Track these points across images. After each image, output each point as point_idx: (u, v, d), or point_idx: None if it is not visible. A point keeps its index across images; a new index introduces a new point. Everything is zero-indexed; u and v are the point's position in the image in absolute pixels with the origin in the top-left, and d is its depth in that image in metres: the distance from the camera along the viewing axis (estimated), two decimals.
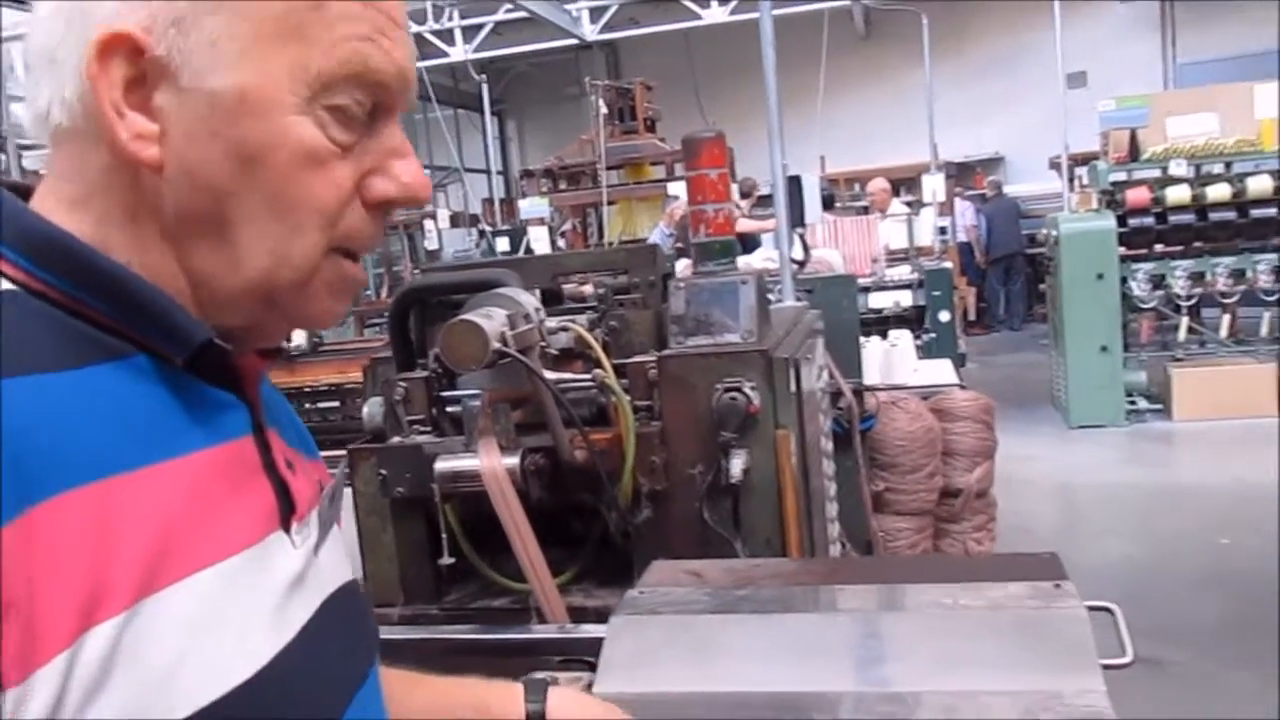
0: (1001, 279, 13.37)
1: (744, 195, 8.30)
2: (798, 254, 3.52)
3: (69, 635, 0.55)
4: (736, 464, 1.79)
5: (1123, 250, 7.37)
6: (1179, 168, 7.33)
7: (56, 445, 0.58)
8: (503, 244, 9.13)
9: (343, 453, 1.96)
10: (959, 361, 6.97)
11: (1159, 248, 7.49)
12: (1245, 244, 7.35)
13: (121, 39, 0.64)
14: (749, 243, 6.93)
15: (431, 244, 10.26)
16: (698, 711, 1.30)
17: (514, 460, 1.76)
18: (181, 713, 0.59)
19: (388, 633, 1.11)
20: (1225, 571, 4.57)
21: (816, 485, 2.12)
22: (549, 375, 1.82)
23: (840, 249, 7.02)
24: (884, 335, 5.27)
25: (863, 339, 4.47)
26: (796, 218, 3.45)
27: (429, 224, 10.39)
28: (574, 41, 13.10)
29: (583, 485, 1.89)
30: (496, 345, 1.69)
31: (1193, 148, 7.37)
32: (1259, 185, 7.20)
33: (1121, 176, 7.55)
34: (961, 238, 12.55)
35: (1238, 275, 7.27)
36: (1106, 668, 1.29)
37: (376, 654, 0.85)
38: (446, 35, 12.57)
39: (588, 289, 2.17)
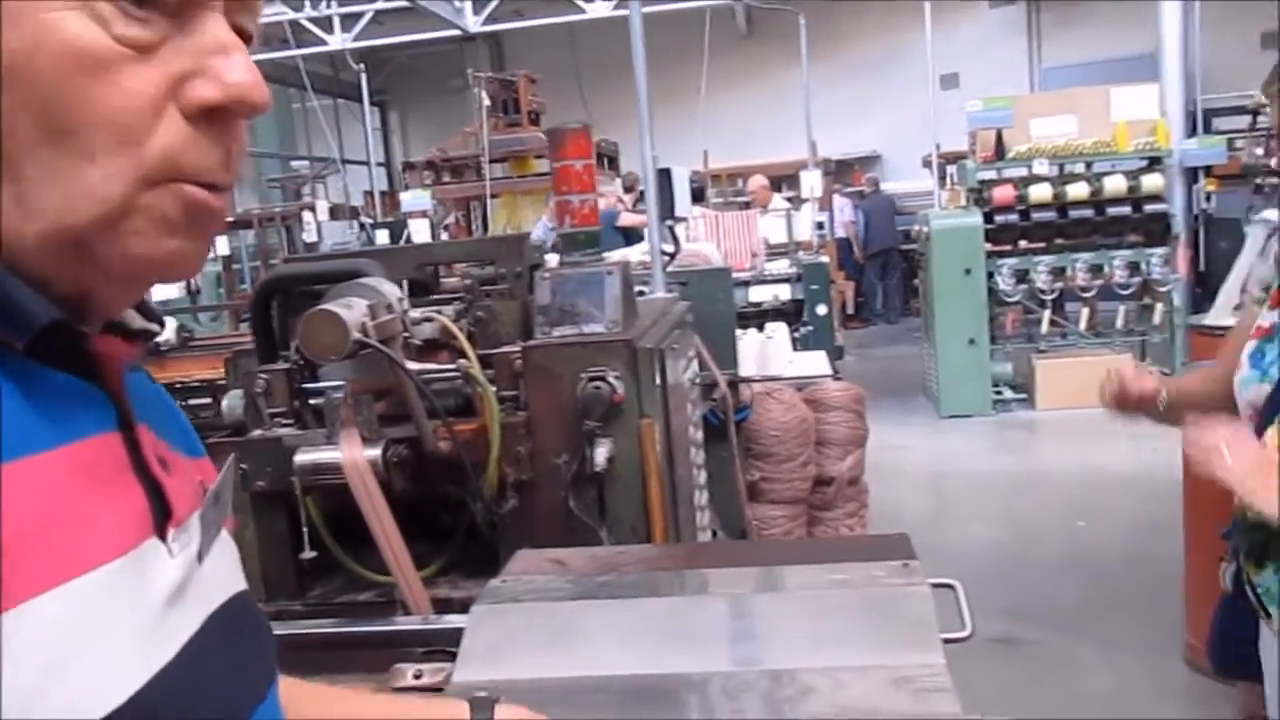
0: (878, 274, 13.74)
1: (628, 190, 8.34)
2: (669, 246, 3.56)
3: None
4: (601, 453, 1.81)
5: (989, 246, 7.65)
6: (1042, 167, 7.64)
7: None
8: (383, 237, 8.98)
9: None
10: (836, 354, 7.13)
11: (1023, 244, 7.79)
12: (1102, 240, 7.70)
13: None
14: (633, 237, 6.98)
15: (310, 236, 10.00)
16: (556, 697, 1.31)
17: (376, 451, 1.75)
18: None
19: None
20: (1080, 554, 4.79)
21: (684, 474, 2.15)
22: (412, 366, 1.81)
23: (722, 243, 7.11)
24: (762, 328, 5.36)
25: (741, 331, 4.54)
26: (667, 210, 3.49)
27: (307, 216, 10.14)
28: (458, 33, 12.94)
29: (448, 476, 1.89)
30: (357, 335, 1.68)
31: (1054, 148, 7.69)
32: (1114, 185, 7.55)
33: (989, 175, 7.84)
34: (840, 233, 12.85)
35: (1095, 270, 7.60)
36: (947, 641, 1.34)
37: (275, 670, 0.77)
38: (325, 23, 12.28)
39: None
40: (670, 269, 4.26)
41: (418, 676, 1.51)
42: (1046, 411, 7.53)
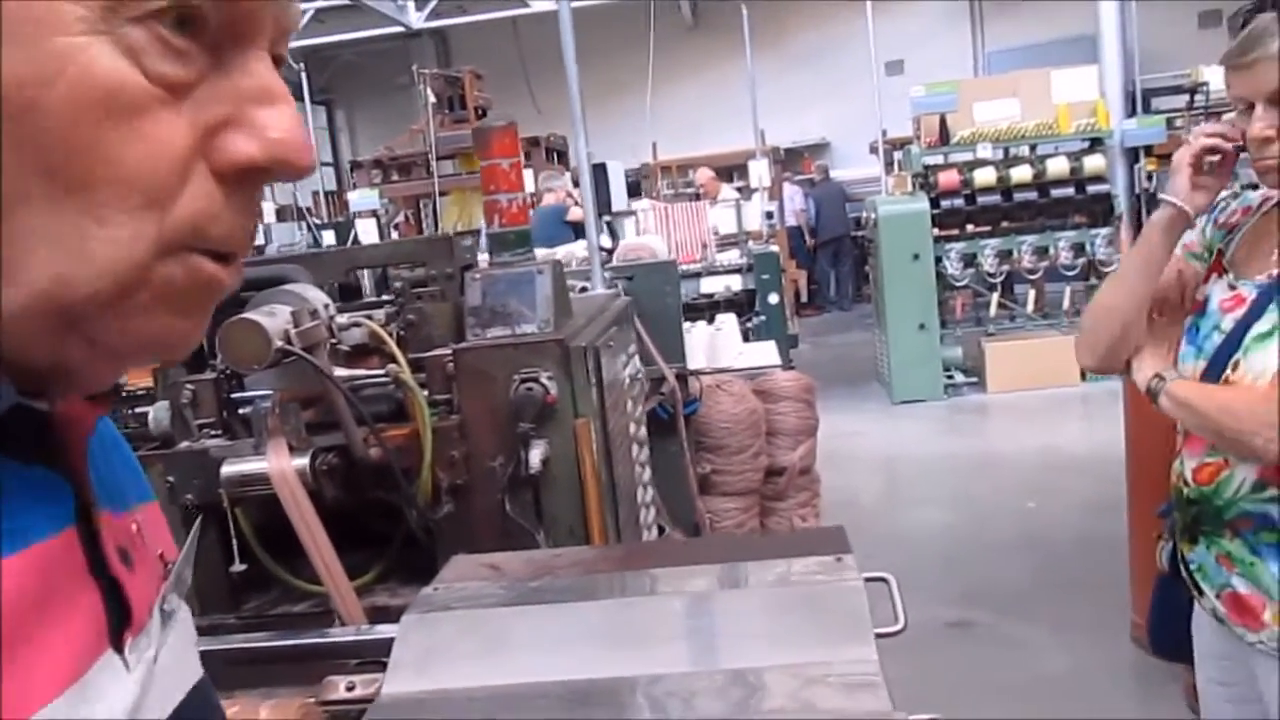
0: (831, 261, 13.79)
1: (577, 184, 8.29)
2: (606, 242, 3.53)
3: None
4: (535, 455, 1.79)
5: (936, 231, 7.70)
6: (985, 150, 7.70)
7: None
8: (329, 237, 8.87)
9: None
10: (791, 343, 7.15)
11: (970, 228, 7.85)
12: (1047, 222, 7.77)
13: None
14: (583, 231, 6.93)
15: (257, 239, 9.88)
16: (485, 707, 1.29)
17: (304, 461, 1.71)
18: None
19: None
20: (1031, 535, 4.84)
21: (624, 472, 2.13)
22: (341, 372, 1.78)
23: (672, 235, 7.10)
24: (713, 320, 5.36)
25: (690, 324, 4.53)
26: (604, 205, 3.46)
27: None
28: (401, 29, 12.83)
29: (382, 483, 1.86)
30: (279, 344, 1.64)
31: (997, 131, 7.75)
32: (1057, 167, 7.64)
33: (934, 160, 7.89)
34: (791, 222, 12.89)
35: (1041, 252, 7.67)
36: (880, 635, 1.34)
37: None
38: None
39: None
40: (616, 263, 4.25)
41: (350, 689, 1.48)
42: (997, 394, 7.60)
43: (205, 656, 0.70)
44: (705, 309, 6.12)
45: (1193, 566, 1.74)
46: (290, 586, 1.90)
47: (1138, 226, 8.08)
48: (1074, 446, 6.06)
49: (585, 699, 1.28)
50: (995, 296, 7.89)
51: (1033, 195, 7.67)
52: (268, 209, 10.96)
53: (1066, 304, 7.91)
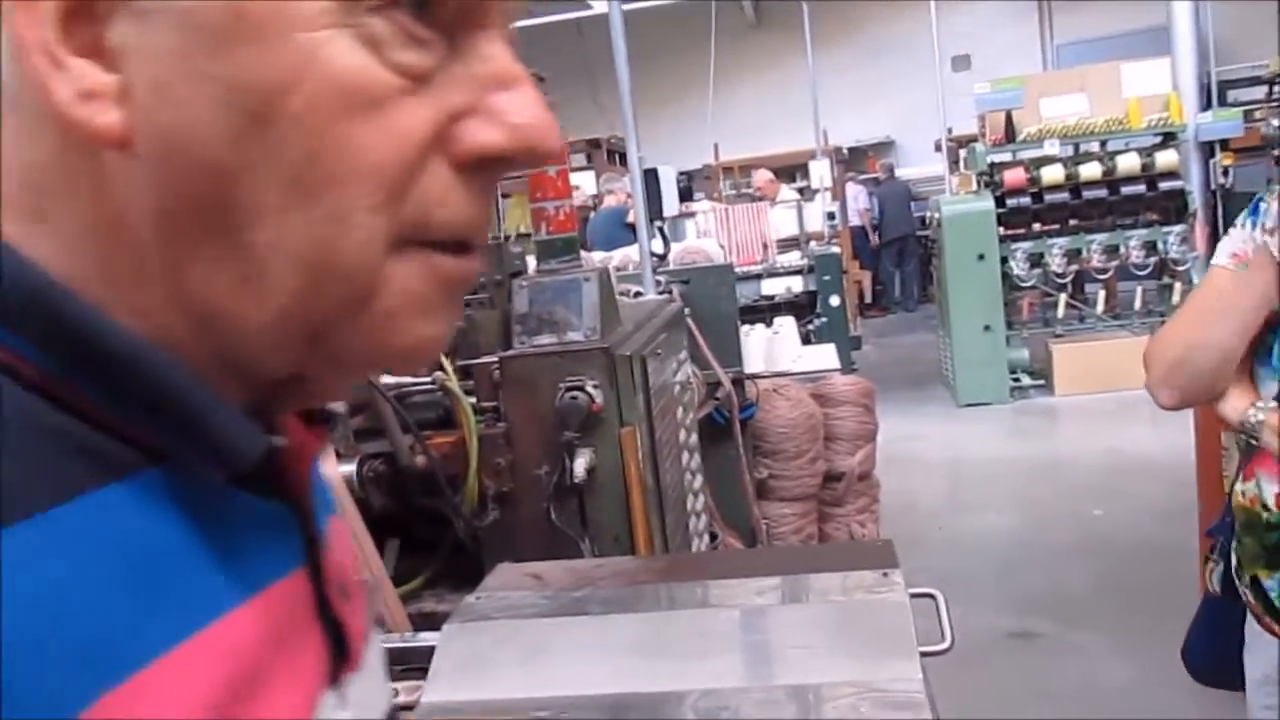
0: (895, 261, 13.63)
1: None
2: (658, 247, 3.53)
3: None
4: (580, 464, 1.79)
5: (1002, 230, 7.55)
6: (1053, 147, 7.53)
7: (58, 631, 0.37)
8: None
9: None
10: (854, 344, 7.09)
11: (1036, 227, 7.68)
12: (1117, 220, 7.57)
13: None
14: None
15: None
16: (525, 717, 1.29)
17: (351, 467, 1.73)
18: None
19: None
20: (1097, 541, 4.73)
21: (672, 480, 2.12)
22: (387, 380, 1.79)
23: (731, 236, 7.08)
24: (772, 322, 5.32)
25: (748, 328, 4.51)
26: (655, 210, 3.46)
27: None
28: None
29: (429, 490, 1.87)
30: None
31: (1065, 127, 7.58)
32: (1128, 163, 7.43)
33: (1003, 158, 7.74)
34: (855, 221, 12.76)
35: (1111, 251, 7.48)
36: (925, 654, 1.31)
37: None
38: None
39: None
40: (672, 266, 4.24)
41: (394, 695, 1.49)
42: (1064, 397, 7.43)
43: None
44: (765, 311, 6.09)
45: (1272, 594, 1.68)
46: None
47: (1213, 224, 7.89)
48: (1144, 451, 5.90)
49: (624, 711, 1.28)
50: (1063, 297, 7.72)
51: (1102, 192, 7.47)
52: None
53: (1138, 304, 7.70)
